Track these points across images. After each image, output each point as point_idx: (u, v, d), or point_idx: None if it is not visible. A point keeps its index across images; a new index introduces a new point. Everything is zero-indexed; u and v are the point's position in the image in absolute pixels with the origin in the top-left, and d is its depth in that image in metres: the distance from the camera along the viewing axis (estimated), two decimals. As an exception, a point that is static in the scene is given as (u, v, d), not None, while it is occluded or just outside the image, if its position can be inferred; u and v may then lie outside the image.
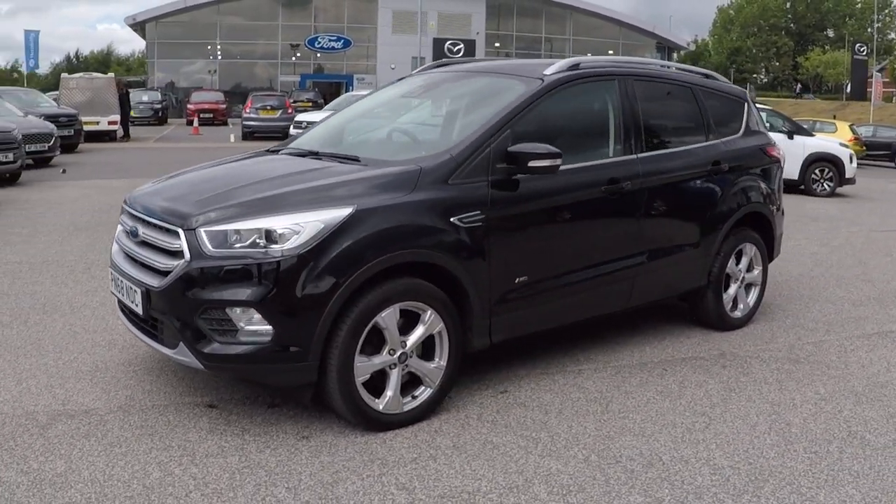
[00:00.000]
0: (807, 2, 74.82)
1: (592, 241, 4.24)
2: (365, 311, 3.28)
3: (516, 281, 3.82)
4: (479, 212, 3.61)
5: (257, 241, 3.23)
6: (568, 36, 53.24)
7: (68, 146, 17.34)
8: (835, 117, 30.41)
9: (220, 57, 49.57)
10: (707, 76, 5.35)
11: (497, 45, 52.09)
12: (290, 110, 25.40)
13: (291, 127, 20.39)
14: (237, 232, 3.25)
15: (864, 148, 23.22)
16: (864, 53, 51.21)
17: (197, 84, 46.20)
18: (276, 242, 3.21)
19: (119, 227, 3.99)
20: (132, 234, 3.70)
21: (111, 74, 25.90)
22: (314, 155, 4.10)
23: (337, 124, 4.79)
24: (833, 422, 3.72)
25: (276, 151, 4.45)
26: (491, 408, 3.76)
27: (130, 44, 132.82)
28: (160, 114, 35.10)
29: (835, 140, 15.88)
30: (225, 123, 33.80)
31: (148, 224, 3.59)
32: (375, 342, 3.38)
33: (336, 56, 50.30)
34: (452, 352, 3.58)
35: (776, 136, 13.87)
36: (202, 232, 3.27)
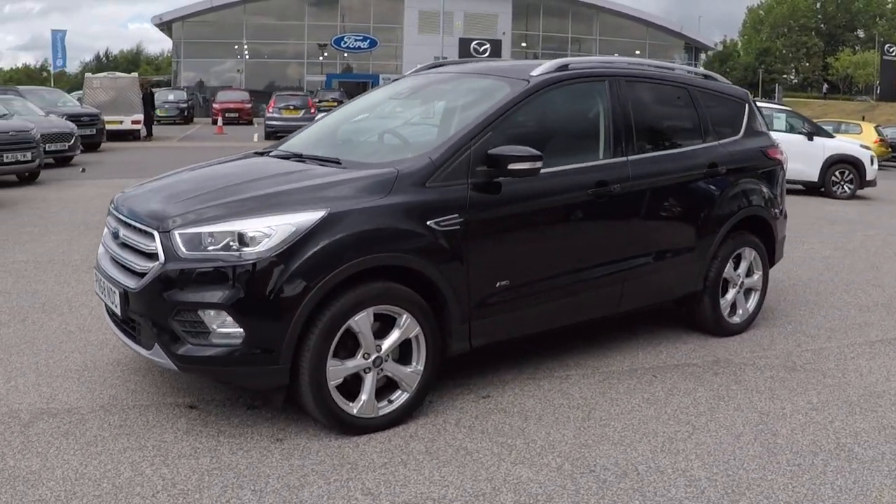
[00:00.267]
0: (837, 2, 73.67)
1: (580, 244, 4.17)
2: (337, 314, 3.26)
3: (497, 285, 3.77)
4: (456, 215, 3.56)
5: (230, 243, 3.23)
6: (595, 36, 52.96)
7: (90, 145, 17.62)
8: (864, 118, 29.82)
9: (247, 56, 50.02)
10: (706, 77, 5.26)
11: (524, 45, 51.93)
12: (312, 110, 25.50)
13: None
14: (211, 234, 3.25)
15: (890, 149, 22.74)
16: (894, 54, 50.23)
17: (226, 83, 46.70)
18: (248, 245, 3.21)
19: (105, 230, 4.02)
20: (115, 235, 3.73)
21: (134, 74, 26.25)
22: (298, 157, 4.09)
23: (327, 126, 4.77)
24: (822, 433, 3.62)
25: (264, 154, 4.45)
26: (470, 413, 3.72)
27: (160, 43, 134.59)
28: (186, 113, 35.50)
29: (855, 141, 15.57)
30: (250, 123, 34.07)
31: (128, 226, 3.61)
32: (350, 346, 3.36)
33: (362, 56, 50.52)
34: (430, 356, 3.55)
35: (796, 138, 13.85)
36: (176, 234, 3.28)
